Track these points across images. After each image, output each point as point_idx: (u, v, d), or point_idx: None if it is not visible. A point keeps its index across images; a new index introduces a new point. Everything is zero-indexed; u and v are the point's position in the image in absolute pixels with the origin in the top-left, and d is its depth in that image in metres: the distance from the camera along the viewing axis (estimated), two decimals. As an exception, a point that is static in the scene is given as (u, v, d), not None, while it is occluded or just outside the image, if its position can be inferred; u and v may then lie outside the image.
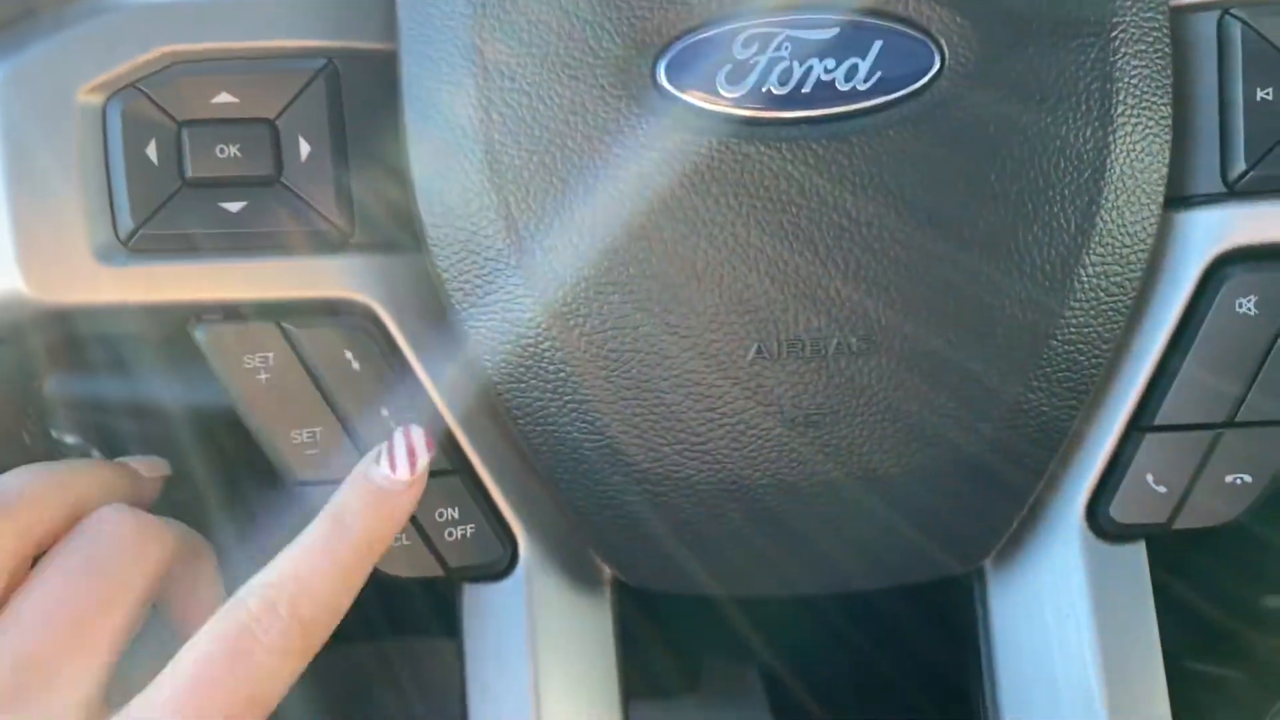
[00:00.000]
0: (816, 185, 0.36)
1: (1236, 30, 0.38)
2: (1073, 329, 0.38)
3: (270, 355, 0.37)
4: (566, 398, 0.38)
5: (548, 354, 0.37)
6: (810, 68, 0.35)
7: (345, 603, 0.35)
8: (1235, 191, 0.38)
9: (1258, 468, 0.40)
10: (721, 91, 0.35)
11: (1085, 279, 0.37)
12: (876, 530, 0.40)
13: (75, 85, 0.36)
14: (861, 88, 0.36)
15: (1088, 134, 0.36)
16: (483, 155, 0.36)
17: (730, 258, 0.36)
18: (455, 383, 0.39)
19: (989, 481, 0.40)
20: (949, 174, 0.36)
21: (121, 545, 0.34)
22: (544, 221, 0.36)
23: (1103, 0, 0.36)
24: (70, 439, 0.46)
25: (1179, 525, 0.40)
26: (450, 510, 0.39)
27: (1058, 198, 0.37)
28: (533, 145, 0.36)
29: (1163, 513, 0.40)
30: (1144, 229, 0.38)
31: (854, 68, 0.35)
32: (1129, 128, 0.37)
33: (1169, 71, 0.37)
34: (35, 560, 0.35)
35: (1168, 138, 0.37)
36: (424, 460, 0.36)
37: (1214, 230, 0.39)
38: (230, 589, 0.35)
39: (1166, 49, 0.37)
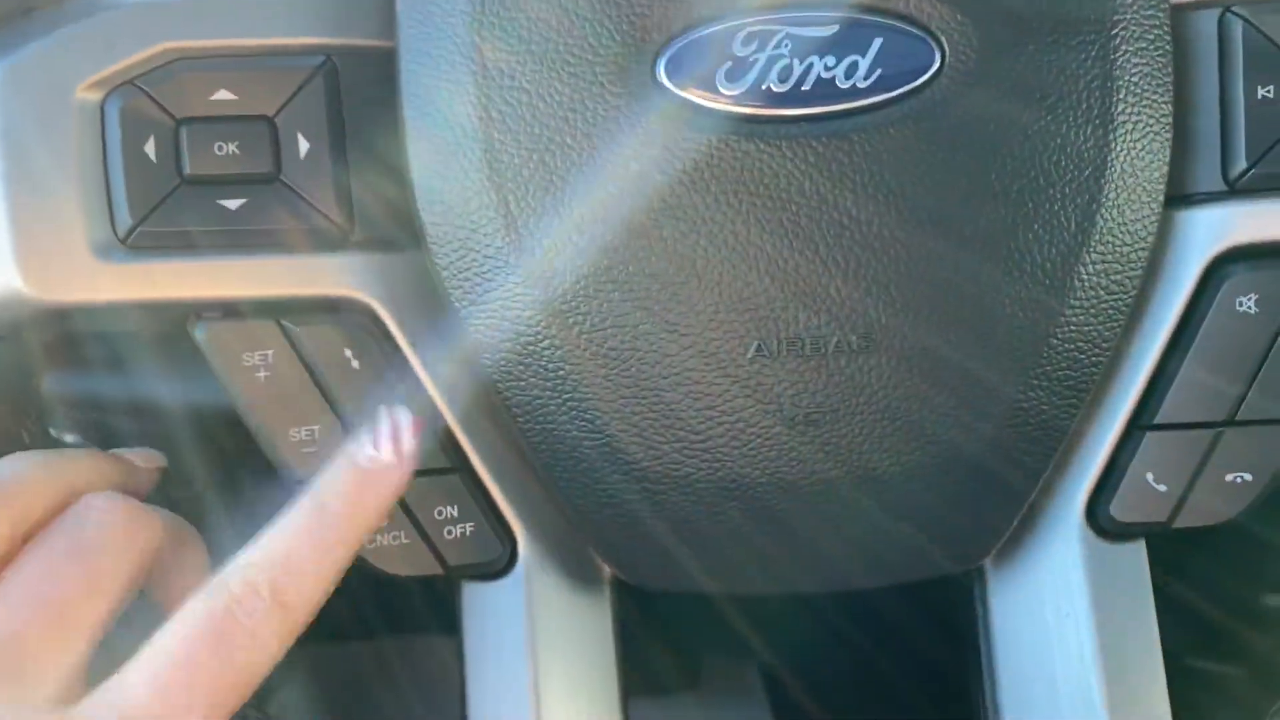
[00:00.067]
0: (816, 183, 0.36)
1: (1238, 28, 0.38)
2: (1073, 328, 0.38)
3: (269, 353, 0.37)
4: (565, 396, 0.38)
5: (547, 352, 0.37)
6: (810, 65, 0.35)
7: (328, 585, 0.35)
8: (1236, 190, 0.38)
9: (1258, 466, 0.40)
10: (721, 89, 0.35)
11: (1085, 277, 0.37)
12: (876, 529, 0.40)
13: (73, 82, 0.36)
14: (861, 85, 0.35)
15: (1088, 132, 0.36)
16: (482, 153, 0.36)
17: (730, 256, 0.36)
18: (454, 381, 0.39)
19: (988, 480, 0.39)
20: (949, 172, 0.36)
21: (109, 530, 0.34)
22: (543, 219, 0.36)
23: (1103, -2, 0.36)
24: (69, 438, 0.46)
25: (1179, 524, 0.40)
26: (449, 508, 0.39)
27: (1058, 196, 0.37)
28: (532, 143, 0.36)
29: (1163, 512, 0.40)
30: (1144, 227, 0.38)
31: (854, 65, 0.35)
32: (1129, 126, 0.37)
33: (1170, 69, 0.37)
34: None
35: (1168, 136, 0.37)
36: (409, 442, 0.36)
37: (1214, 229, 0.39)
38: None
39: (1167, 47, 0.37)
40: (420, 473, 0.39)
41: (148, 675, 0.31)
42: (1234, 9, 0.38)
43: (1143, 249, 0.38)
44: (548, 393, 0.38)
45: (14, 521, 0.34)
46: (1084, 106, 0.36)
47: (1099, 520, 0.41)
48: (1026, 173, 0.36)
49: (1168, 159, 0.37)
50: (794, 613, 0.50)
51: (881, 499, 0.39)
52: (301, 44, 0.37)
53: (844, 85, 0.36)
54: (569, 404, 0.38)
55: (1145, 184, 0.37)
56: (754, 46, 0.35)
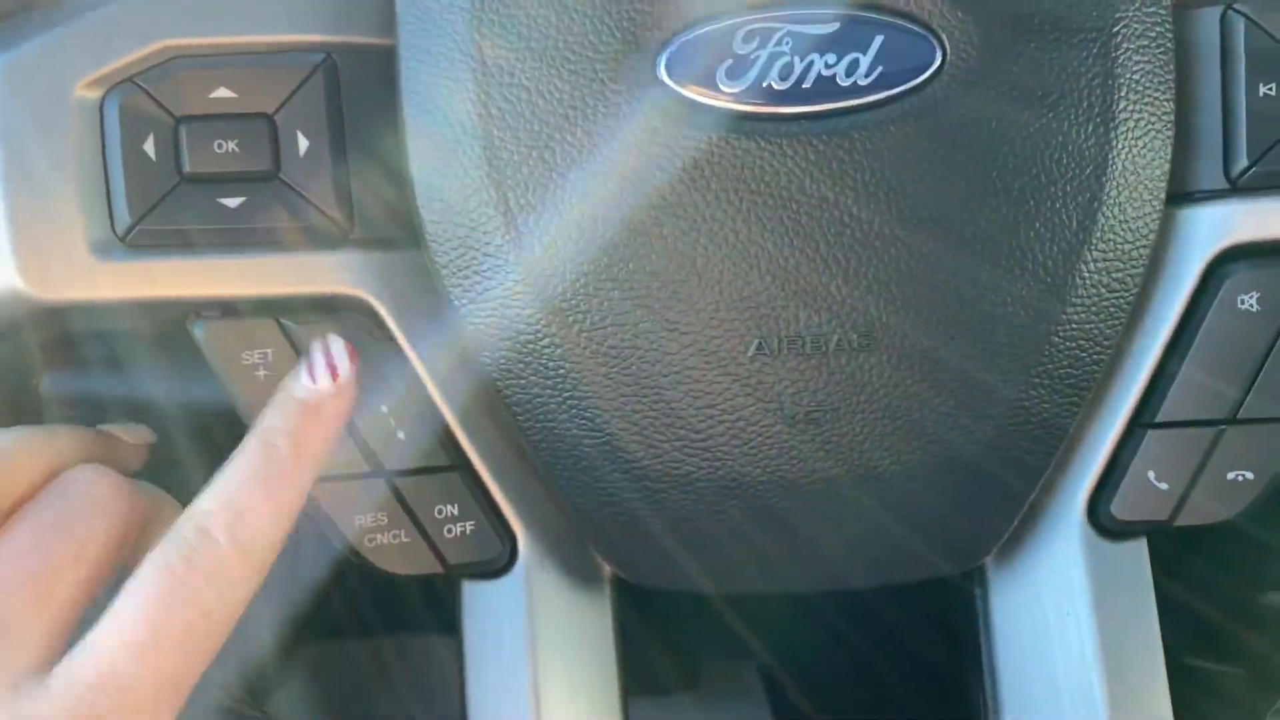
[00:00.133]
0: (817, 181, 0.36)
1: (1239, 26, 0.38)
2: (1074, 326, 0.38)
3: (269, 352, 0.37)
4: (565, 394, 0.38)
5: (546, 350, 0.37)
6: (811, 63, 0.35)
7: (283, 523, 0.35)
8: (1238, 188, 0.38)
9: (1259, 465, 0.40)
10: (722, 87, 0.35)
11: (1087, 276, 0.37)
12: (876, 528, 0.40)
13: (72, 80, 0.36)
14: (862, 83, 0.35)
15: (1089, 130, 0.36)
16: (481, 150, 0.36)
17: (730, 254, 0.36)
18: (454, 379, 0.39)
19: (989, 480, 0.39)
20: (950, 170, 0.36)
21: (92, 502, 0.34)
22: (543, 217, 0.36)
23: (1105, -5, 0.36)
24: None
25: (1180, 523, 0.40)
26: (449, 507, 0.39)
27: (1059, 194, 0.36)
28: (532, 140, 0.36)
29: (1164, 510, 0.40)
30: (1146, 225, 0.38)
31: (855, 63, 0.35)
32: (1131, 123, 0.37)
33: (1171, 67, 0.37)
34: None
35: (1170, 134, 0.37)
36: (346, 368, 0.36)
37: (1216, 227, 0.38)
38: None
39: (1169, 44, 0.37)
40: (420, 471, 0.39)
41: (116, 632, 0.32)
42: (1236, 7, 0.38)
43: (1144, 247, 0.38)
44: (547, 391, 0.38)
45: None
46: (1085, 104, 0.36)
47: (1100, 519, 0.41)
48: (1028, 171, 0.36)
49: (1169, 157, 0.37)
50: (794, 612, 0.50)
51: (882, 498, 0.39)
52: (301, 41, 0.37)
53: (845, 83, 0.35)
54: (569, 402, 0.38)
55: (1147, 182, 0.37)
56: (754, 44, 0.35)
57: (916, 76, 0.36)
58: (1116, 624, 0.41)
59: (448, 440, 0.39)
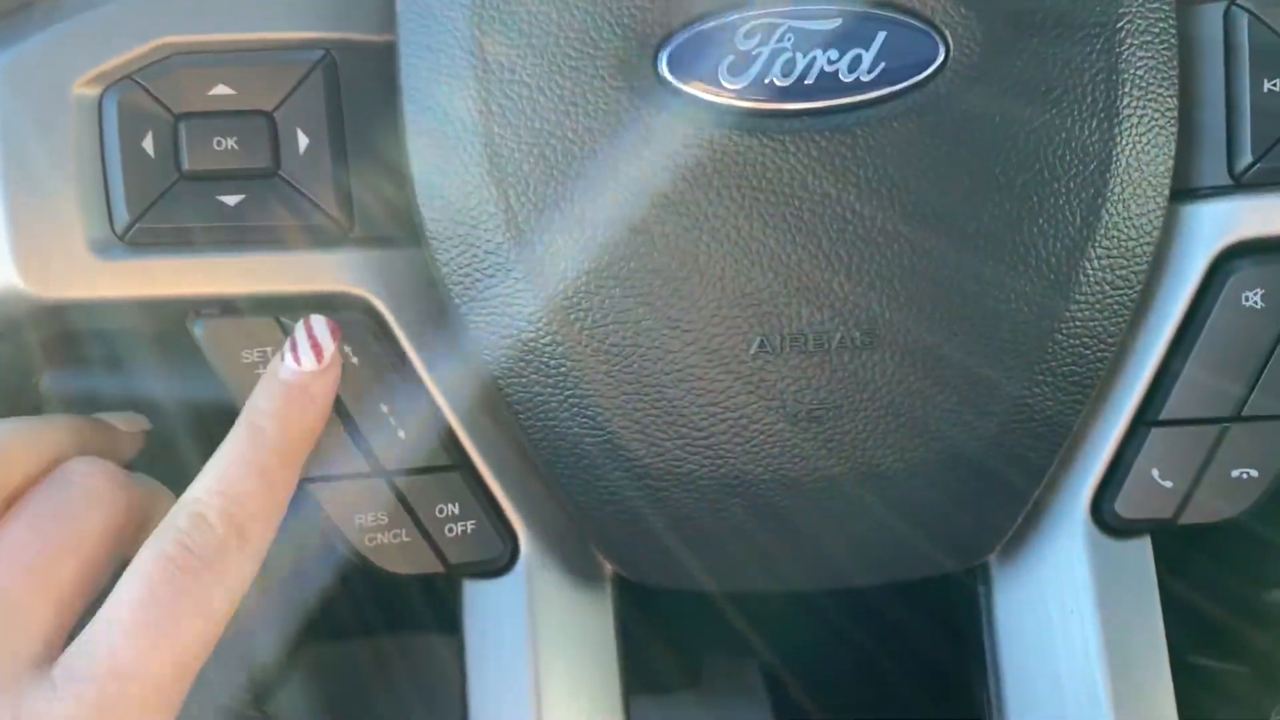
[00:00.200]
0: (819, 178, 0.36)
1: (1243, 21, 0.38)
2: (1077, 323, 0.37)
3: (269, 350, 0.37)
4: (567, 393, 0.37)
5: (548, 349, 0.37)
6: (813, 59, 0.35)
7: (278, 505, 0.35)
8: (1242, 184, 0.38)
9: (1264, 462, 0.39)
10: (724, 83, 0.35)
11: (1090, 272, 0.37)
12: (879, 526, 0.40)
13: (71, 77, 0.36)
14: (865, 79, 0.35)
15: (1093, 126, 0.36)
16: (482, 149, 0.36)
17: (732, 251, 0.36)
18: (455, 378, 0.38)
19: (992, 477, 0.39)
20: (953, 167, 0.36)
21: (89, 494, 0.35)
22: (544, 215, 0.36)
23: (1108, -9, 0.36)
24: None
25: (1184, 520, 0.40)
26: (450, 506, 0.39)
27: (1063, 190, 0.36)
28: (533, 138, 0.36)
29: (1168, 508, 0.40)
30: (1150, 222, 0.37)
31: (857, 59, 0.35)
32: (1134, 120, 0.37)
33: (1175, 63, 0.37)
34: None
35: (1173, 130, 0.37)
36: (329, 346, 0.36)
37: (1220, 223, 0.38)
38: None
39: (1172, 40, 0.37)
40: (421, 470, 0.39)
41: (116, 622, 0.32)
42: (1239, 2, 0.38)
43: (1148, 243, 0.38)
44: (549, 389, 0.38)
45: None
46: (1089, 100, 0.36)
47: (1104, 516, 0.41)
48: (1031, 167, 0.36)
49: (1173, 153, 0.37)
50: (796, 611, 0.50)
51: (885, 496, 0.39)
52: (300, 38, 0.37)
53: (847, 79, 0.35)
54: (570, 401, 0.38)
55: (1150, 178, 0.37)
56: (757, 40, 0.35)
57: (919, 72, 0.36)
58: (1120, 622, 0.41)
59: (448, 439, 0.39)
